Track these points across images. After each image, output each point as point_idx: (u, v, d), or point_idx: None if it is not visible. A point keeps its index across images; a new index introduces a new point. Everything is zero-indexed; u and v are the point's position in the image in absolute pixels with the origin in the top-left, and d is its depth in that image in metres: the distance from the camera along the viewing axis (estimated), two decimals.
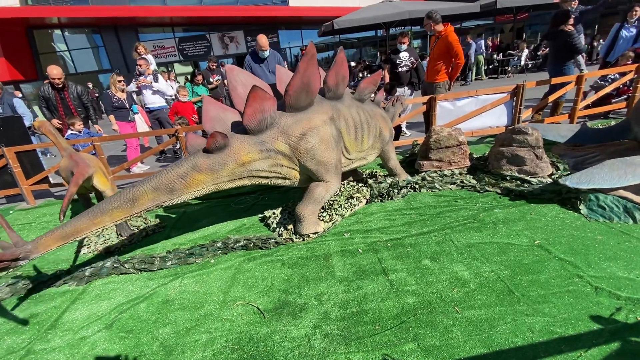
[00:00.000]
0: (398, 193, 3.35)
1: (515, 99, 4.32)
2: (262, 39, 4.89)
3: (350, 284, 2.15)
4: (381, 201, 3.30)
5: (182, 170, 2.32)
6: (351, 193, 3.32)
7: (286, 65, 6.79)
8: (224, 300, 2.15)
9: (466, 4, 12.00)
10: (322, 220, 2.94)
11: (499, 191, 3.16)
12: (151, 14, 16.62)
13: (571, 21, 4.50)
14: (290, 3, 18.85)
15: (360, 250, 2.52)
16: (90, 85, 15.60)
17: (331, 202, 3.21)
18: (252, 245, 2.70)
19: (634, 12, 5.16)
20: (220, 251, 2.69)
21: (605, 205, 2.59)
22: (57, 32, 17.39)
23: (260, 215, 3.27)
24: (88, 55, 18.26)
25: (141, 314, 2.12)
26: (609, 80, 5.43)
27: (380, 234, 2.71)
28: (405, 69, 5.21)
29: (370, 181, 3.55)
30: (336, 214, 3.00)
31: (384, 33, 13.75)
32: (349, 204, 3.17)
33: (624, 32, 5.25)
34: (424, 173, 3.60)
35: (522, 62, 13.40)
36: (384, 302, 1.96)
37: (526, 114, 4.59)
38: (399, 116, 4.42)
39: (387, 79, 5.30)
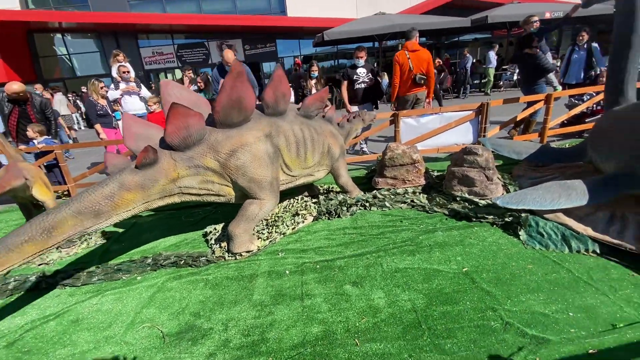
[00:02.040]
0: (347, 211, 3.29)
1: (480, 117, 4.26)
2: (228, 54, 4.89)
3: (263, 309, 2.08)
4: (328, 219, 3.24)
5: (108, 190, 2.20)
6: (297, 210, 3.26)
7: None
8: (133, 321, 2.09)
9: (458, 18, 12.06)
10: (260, 237, 2.88)
11: (446, 212, 3.08)
12: (151, 21, 16.86)
13: (535, 43, 4.47)
14: (288, 13, 19.07)
15: (287, 272, 2.45)
16: (84, 89, 15.75)
17: (275, 219, 3.16)
18: (182, 262, 2.64)
19: (581, 37, 5.22)
20: (149, 267, 2.63)
21: (544, 232, 2.51)
22: (58, 35, 17.70)
23: (204, 230, 3.22)
24: (89, 59, 18.52)
25: (47, 332, 2.06)
26: (585, 99, 5.37)
27: (314, 255, 2.64)
28: (362, 85, 4.85)
29: (320, 198, 3.49)
30: (276, 232, 2.94)
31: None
32: (293, 221, 3.11)
33: (574, 55, 5.28)
34: (375, 191, 3.54)
35: (515, 77, 13.37)
36: (288, 330, 1.89)
37: (493, 132, 4.53)
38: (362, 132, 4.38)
39: (345, 96, 4.97)
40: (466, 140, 4.43)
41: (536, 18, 4.81)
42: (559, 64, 9.70)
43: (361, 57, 4.83)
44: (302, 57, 20.01)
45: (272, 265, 2.55)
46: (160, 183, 2.38)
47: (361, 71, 4.86)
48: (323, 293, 2.17)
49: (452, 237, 2.71)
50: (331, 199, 3.44)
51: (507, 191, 3.26)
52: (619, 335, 1.63)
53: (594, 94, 5.20)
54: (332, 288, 2.21)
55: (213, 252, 2.74)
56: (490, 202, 3.04)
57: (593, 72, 5.70)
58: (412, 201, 3.32)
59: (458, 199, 3.19)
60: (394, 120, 4.24)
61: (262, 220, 3.12)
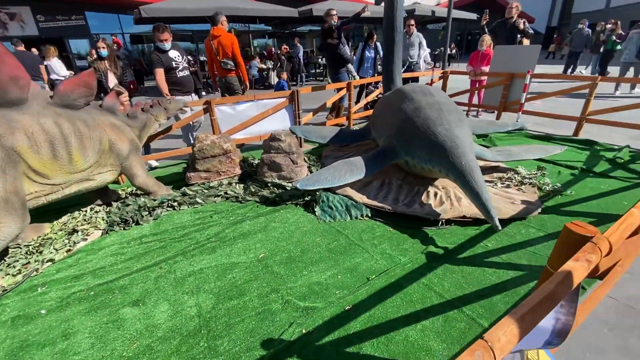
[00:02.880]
0: (150, 215, 2.85)
1: (293, 104, 4.49)
2: None
3: None
4: (124, 229, 2.73)
5: None
6: (75, 226, 2.61)
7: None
8: None
9: (287, 8, 12.57)
10: (9, 274, 2.13)
11: (257, 200, 3.09)
12: None
13: (336, 34, 5.04)
14: None
15: (43, 312, 1.88)
16: None
17: (41, 243, 2.42)
18: None
19: (371, 41, 6.26)
20: None
21: (333, 205, 2.81)
22: None
23: None
24: None
25: None
26: (379, 86, 6.46)
27: (90, 279, 2.14)
28: (186, 72, 4.08)
29: (114, 205, 2.92)
30: (36, 261, 2.25)
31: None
32: (67, 241, 2.46)
33: (367, 53, 6.32)
34: (184, 188, 3.23)
35: None
36: None
37: (308, 117, 4.88)
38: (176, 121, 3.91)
39: (164, 86, 3.87)
40: (284, 126, 4.60)
41: (334, 12, 5.37)
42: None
43: (165, 40, 3.85)
44: (127, 35, 16.95)
45: (23, 308, 1.92)
46: None
47: (174, 54, 4.00)
48: (89, 327, 1.76)
49: (258, 224, 2.71)
50: (128, 204, 2.92)
51: (311, 172, 3.53)
52: (369, 287, 1.94)
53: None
54: (104, 317, 1.83)
55: None
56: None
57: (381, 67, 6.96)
58: (226, 193, 3.18)
59: (269, 184, 3.25)
60: (208, 109, 3.95)
61: (17, 249, 2.34)
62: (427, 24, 22.55)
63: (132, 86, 5.85)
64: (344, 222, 2.69)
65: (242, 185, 3.35)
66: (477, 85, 5.96)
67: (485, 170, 3.35)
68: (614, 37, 8.03)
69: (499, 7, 26.90)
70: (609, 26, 8.23)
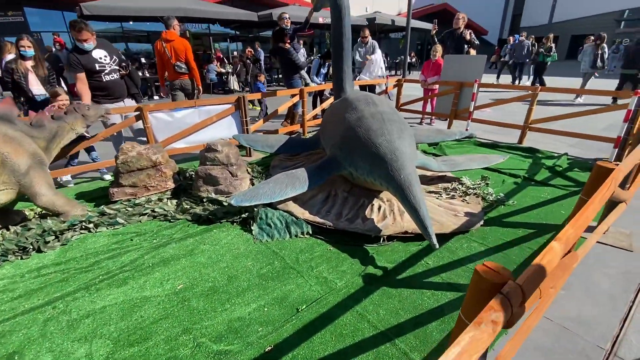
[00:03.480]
0: (57, 240, 2.45)
1: (240, 110, 4.22)
2: None
3: None
4: (21, 258, 2.31)
5: None
6: None
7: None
8: None
9: (246, 12, 12.26)
10: None
11: (189, 218, 2.78)
12: None
13: (288, 39, 4.86)
14: None
15: None
16: None
17: None
18: None
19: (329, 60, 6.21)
20: None
21: (272, 223, 2.58)
22: None
23: None
24: None
25: None
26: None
27: None
28: (115, 76, 3.55)
29: (11, 229, 2.48)
30: None
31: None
32: None
33: (322, 70, 6.29)
34: (103, 206, 2.84)
35: None
36: None
37: (257, 125, 4.63)
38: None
39: (85, 93, 3.37)
40: (231, 134, 4.31)
41: (287, 15, 5.19)
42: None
43: (84, 40, 3.29)
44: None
45: None
46: None
47: (100, 55, 3.46)
48: None
49: (184, 247, 2.41)
50: (30, 228, 2.49)
51: (253, 185, 3.28)
52: (298, 321, 1.73)
53: None
54: None
55: None
56: None
57: None
58: (153, 211, 2.84)
59: (205, 200, 2.95)
60: (141, 116, 3.58)
61: None
62: (388, 32, 23.20)
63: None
64: (282, 242, 2.46)
65: (175, 202, 3.02)
66: (429, 94, 6.05)
67: (432, 180, 3.29)
68: (542, 50, 8.63)
69: (451, 18, 28.44)
70: (544, 40, 8.80)
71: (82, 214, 2.68)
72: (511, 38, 11.77)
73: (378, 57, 6.24)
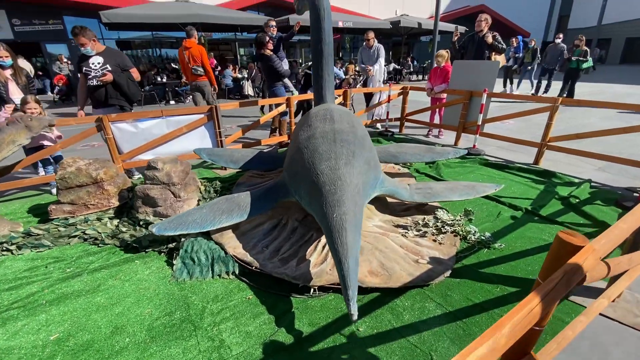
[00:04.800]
0: None
1: (213, 121, 3.94)
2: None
3: None
4: None
5: None
6: None
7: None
8: None
9: (260, 17, 12.21)
10: None
11: (117, 244, 2.50)
12: None
13: (270, 45, 4.53)
14: None
15: None
16: None
17: None
18: None
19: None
20: None
21: (196, 257, 2.22)
22: None
23: None
24: None
25: None
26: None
27: None
28: (92, 83, 3.46)
29: None
30: None
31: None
32: None
33: None
34: (30, 227, 2.64)
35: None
36: None
37: (235, 135, 4.33)
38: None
39: (80, 98, 3.61)
40: (204, 145, 4.05)
41: (273, 23, 4.87)
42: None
43: (82, 45, 3.41)
44: (113, 41, 16.73)
45: None
46: None
47: (95, 62, 3.49)
48: None
49: (92, 281, 2.12)
50: None
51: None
52: None
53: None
54: None
55: None
56: None
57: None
58: (84, 233, 2.59)
59: (142, 223, 2.67)
60: (101, 126, 3.40)
61: None
62: (417, 35, 22.27)
63: None
64: (200, 283, 2.09)
65: (116, 222, 2.77)
66: (437, 103, 5.43)
67: (407, 210, 2.76)
68: (578, 55, 7.48)
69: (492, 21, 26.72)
70: (576, 42, 7.71)
71: (3, 235, 2.50)
72: (515, 40, 10.40)
73: (378, 67, 5.76)
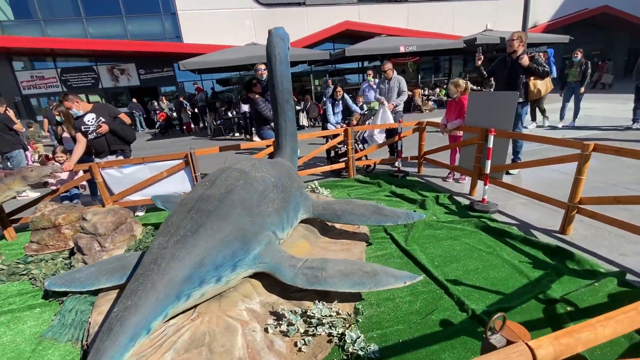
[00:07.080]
0: None
1: (189, 166, 4.14)
2: None
3: None
4: None
5: None
6: None
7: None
8: None
9: (321, 51, 12.61)
10: None
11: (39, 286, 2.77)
12: (30, 45, 15.57)
13: (257, 89, 4.52)
14: (184, 39, 18.74)
15: None
16: None
17: None
18: None
19: (337, 94, 5.65)
20: None
21: (70, 319, 2.26)
22: None
23: None
24: None
25: None
26: None
27: None
28: (92, 136, 3.94)
29: None
30: None
31: None
32: None
33: (335, 109, 5.78)
34: None
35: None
36: None
37: None
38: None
39: (74, 152, 3.93)
40: (185, 188, 4.26)
41: (263, 67, 4.80)
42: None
43: (70, 108, 3.91)
44: (213, 81, 19.89)
45: None
46: None
47: (89, 118, 3.91)
48: None
49: None
50: None
51: None
52: None
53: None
54: None
55: None
56: None
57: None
58: (30, 272, 2.96)
59: (73, 268, 2.90)
60: (91, 173, 3.94)
61: None
62: (503, 51, 19.53)
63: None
64: (52, 344, 2.11)
65: (68, 263, 3.10)
66: (455, 142, 4.52)
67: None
68: None
69: (612, 23, 21.28)
70: None
71: None
72: (544, 54, 7.82)
73: (400, 101, 5.31)
